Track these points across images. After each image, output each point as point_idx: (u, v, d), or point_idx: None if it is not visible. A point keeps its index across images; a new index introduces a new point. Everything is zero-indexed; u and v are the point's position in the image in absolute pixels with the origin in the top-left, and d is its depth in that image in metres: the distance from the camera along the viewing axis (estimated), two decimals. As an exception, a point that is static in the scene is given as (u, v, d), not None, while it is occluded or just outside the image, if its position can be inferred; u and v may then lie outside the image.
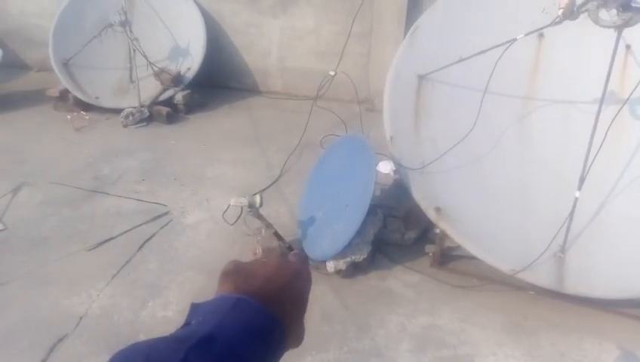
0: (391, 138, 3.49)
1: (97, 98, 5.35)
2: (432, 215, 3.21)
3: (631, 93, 2.99)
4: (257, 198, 3.07)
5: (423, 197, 3.28)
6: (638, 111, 3.32)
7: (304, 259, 0.77)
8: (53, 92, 5.41)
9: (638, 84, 2.92)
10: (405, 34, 4.94)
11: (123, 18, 5.00)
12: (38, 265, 3.35)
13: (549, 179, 3.41)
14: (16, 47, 6.37)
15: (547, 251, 2.96)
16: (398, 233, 3.54)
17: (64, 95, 5.39)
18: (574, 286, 2.99)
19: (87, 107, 5.37)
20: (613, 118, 2.89)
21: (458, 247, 3.25)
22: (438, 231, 3.25)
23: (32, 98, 5.63)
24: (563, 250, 3.03)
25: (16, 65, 6.23)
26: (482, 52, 3.18)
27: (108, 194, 4.10)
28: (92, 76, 5.46)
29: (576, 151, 3.03)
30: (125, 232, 3.66)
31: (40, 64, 6.28)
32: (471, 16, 3.69)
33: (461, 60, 3.33)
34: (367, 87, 5.71)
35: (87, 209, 3.91)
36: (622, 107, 3.01)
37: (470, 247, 3.13)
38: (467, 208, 3.31)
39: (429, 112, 3.63)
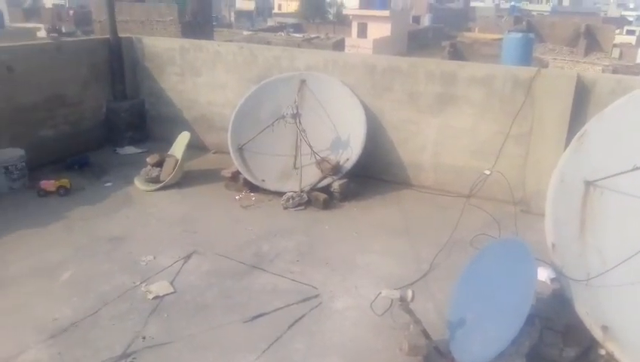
0: (553, 245, 3.36)
1: (263, 181, 5.86)
2: (597, 333, 2.96)
3: None
4: (410, 293, 3.09)
5: (587, 312, 3.06)
6: None
7: None
8: (227, 173, 6.04)
9: None
10: (568, 137, 4.83)
11: (295, 111, 5.53)
12: (199, 329, 3.64)
13: None
14: (200, 131, 7.28)
15: None
16: (556, 348, 3.28)
17: (235, 176, 5.99)
18: None
19: (253, 188, 5.89)
20: None
21: (628, 373, 2.93)
22: (603, 352, 2.97)
23: (207, 176, 6.33)
24: None
25: (198, 147, 7.08)
26: (662, 163, 3.01)
27: (265, 271, 4.38)
28: (261, 161, 6.03)
29: None
30: (278, 309, 3.86)
31: (217, 147, 7.10)
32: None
33: (636, 169, 3.17)
34: (523, 188, 5.57)
35: (246, 282, 4.21)
36: None
37: (643, 376, 2.81)
38: (640, 330, 3.01)
39: (597, 221, 3.44)
